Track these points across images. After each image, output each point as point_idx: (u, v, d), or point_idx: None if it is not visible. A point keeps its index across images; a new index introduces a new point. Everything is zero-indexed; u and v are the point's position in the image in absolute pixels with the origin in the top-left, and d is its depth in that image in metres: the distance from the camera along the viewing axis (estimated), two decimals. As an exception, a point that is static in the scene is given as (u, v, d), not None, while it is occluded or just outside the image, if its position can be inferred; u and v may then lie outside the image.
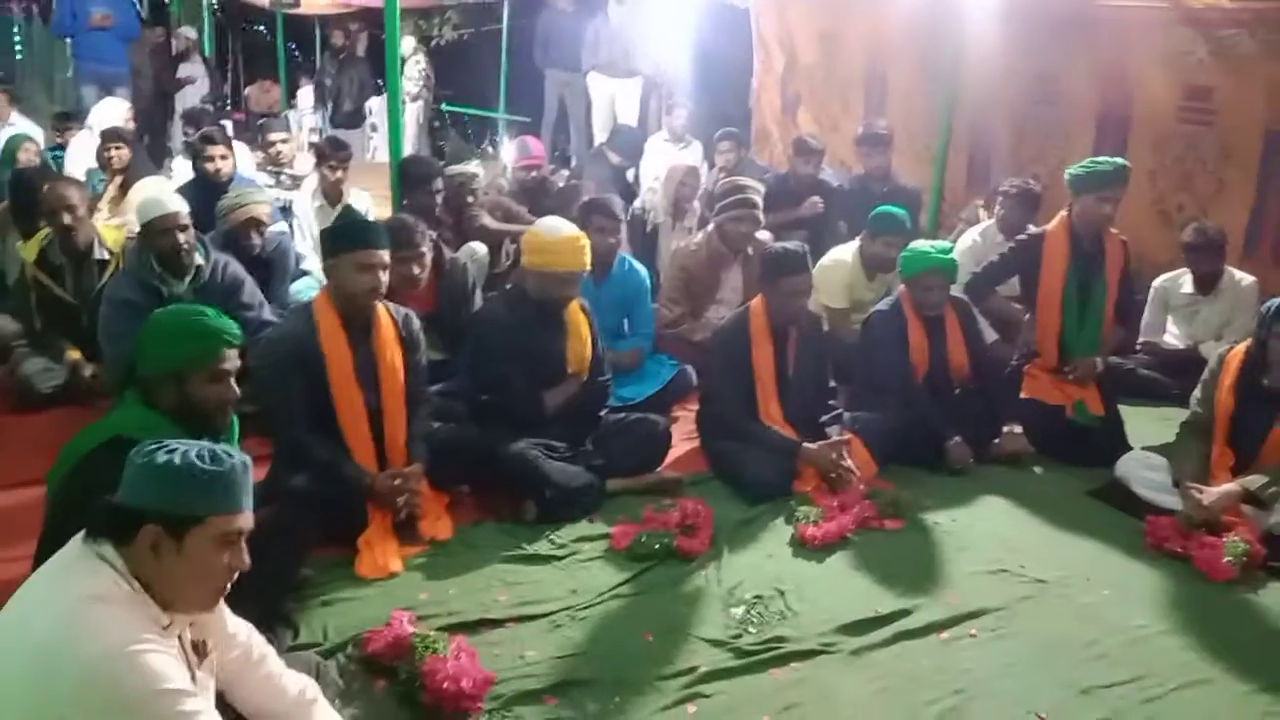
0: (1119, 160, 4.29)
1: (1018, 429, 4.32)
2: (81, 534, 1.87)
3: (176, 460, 1.82)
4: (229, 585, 1.91)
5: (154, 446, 1.86)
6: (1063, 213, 4.43)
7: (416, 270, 4.15)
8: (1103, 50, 6.06)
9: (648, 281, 4.95)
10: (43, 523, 2.47)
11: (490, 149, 11.64)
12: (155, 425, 2.40)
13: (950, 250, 4.24)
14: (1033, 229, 4.70)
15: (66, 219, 4.36)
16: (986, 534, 3.65)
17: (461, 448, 3.66)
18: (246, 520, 1.88)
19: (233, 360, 2.55)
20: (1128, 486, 3.90)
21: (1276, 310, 3.61)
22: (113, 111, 7.37)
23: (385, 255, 3.41)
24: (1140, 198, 4.31)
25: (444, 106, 13.41)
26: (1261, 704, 2.74)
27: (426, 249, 4.20)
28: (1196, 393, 3.93)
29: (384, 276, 3.40)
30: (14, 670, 1.71)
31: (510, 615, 2.98)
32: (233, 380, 2.54)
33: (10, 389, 4.41)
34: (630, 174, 7.96)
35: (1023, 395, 4.40)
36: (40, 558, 2.36)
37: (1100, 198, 4.24)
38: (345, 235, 3.41)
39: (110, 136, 6.53)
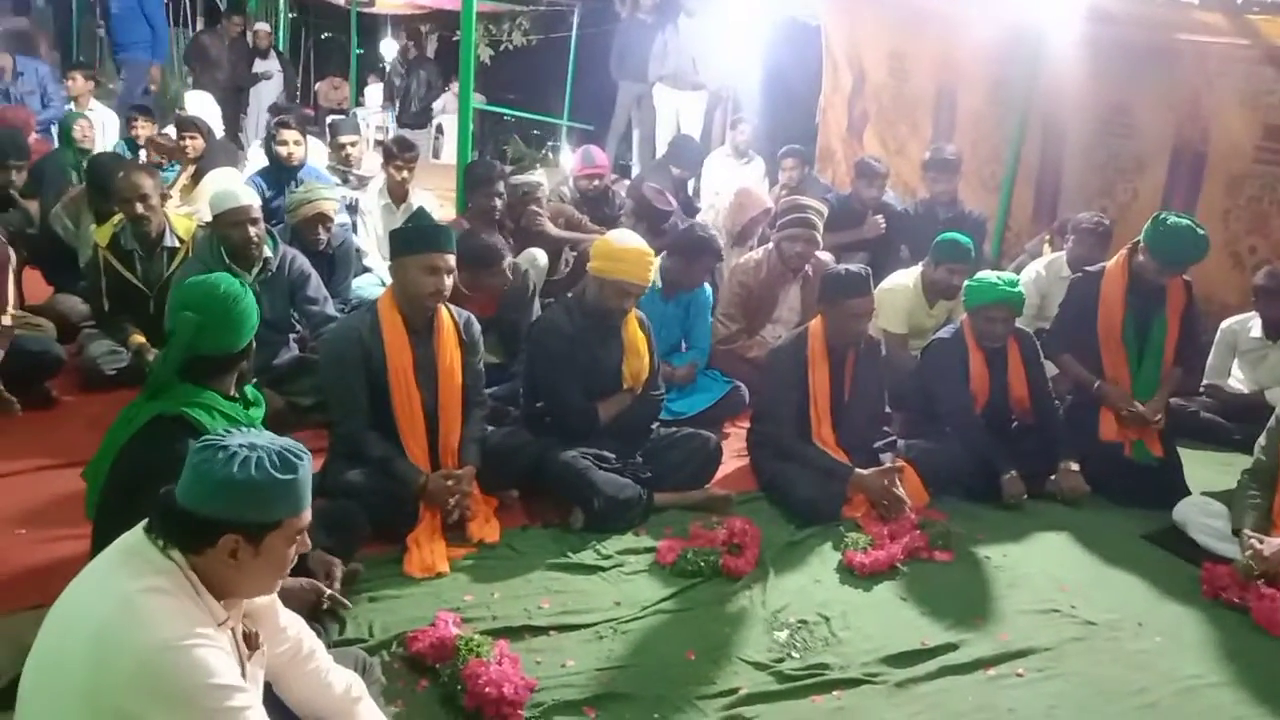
0: (1203, 233, 4.16)
1: (1074, 466, 4.24)
2: (143, 524, 1.90)
3: (253, 472, 1.82)
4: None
5: (221, 451, 1.84)
6: (1123, 251, 4.36)
7: (499, 281, 4.29)
8: (1181, 84, 5.96)
9: (710, 298, 4.97)
10: (96, 509, 2.53)
11: (551, 154, 11.72)
12: (193, 398, 2.49)
13: (1016, 283, 4.19)
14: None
15: (139, 208, 4.46)
16: (1038, 571, 3.60)
17: (513, 453, 3.70)
18: (308, 517, 1.93)
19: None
20: (1185, 531, 3.84)
21: None
22: (202, 104, 7.53)
23: (450, 259, 3.45)
24: (1211, 238, 4.24)
25: (507, 110, 13.54)
26: (1318, 766, 2.67)
27: (508, 264, 4.32)
28: (1261, 440, 3.84)
29: (448, 280, 3.45)
30: (73, 655, 1.75)
31: (553, 623, 2.99)
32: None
33: (77, 369, 4.51)
34: (690, 185, 7.98)
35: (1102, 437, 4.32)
36: (97, 543, 2.44)
37: (1173, 267, 4.17)
38: (413, 238, 3.46)
39: (185, 125, 6.71)
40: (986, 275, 4.23)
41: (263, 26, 11.17)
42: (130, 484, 2.46)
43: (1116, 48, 6.20)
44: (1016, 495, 4.06)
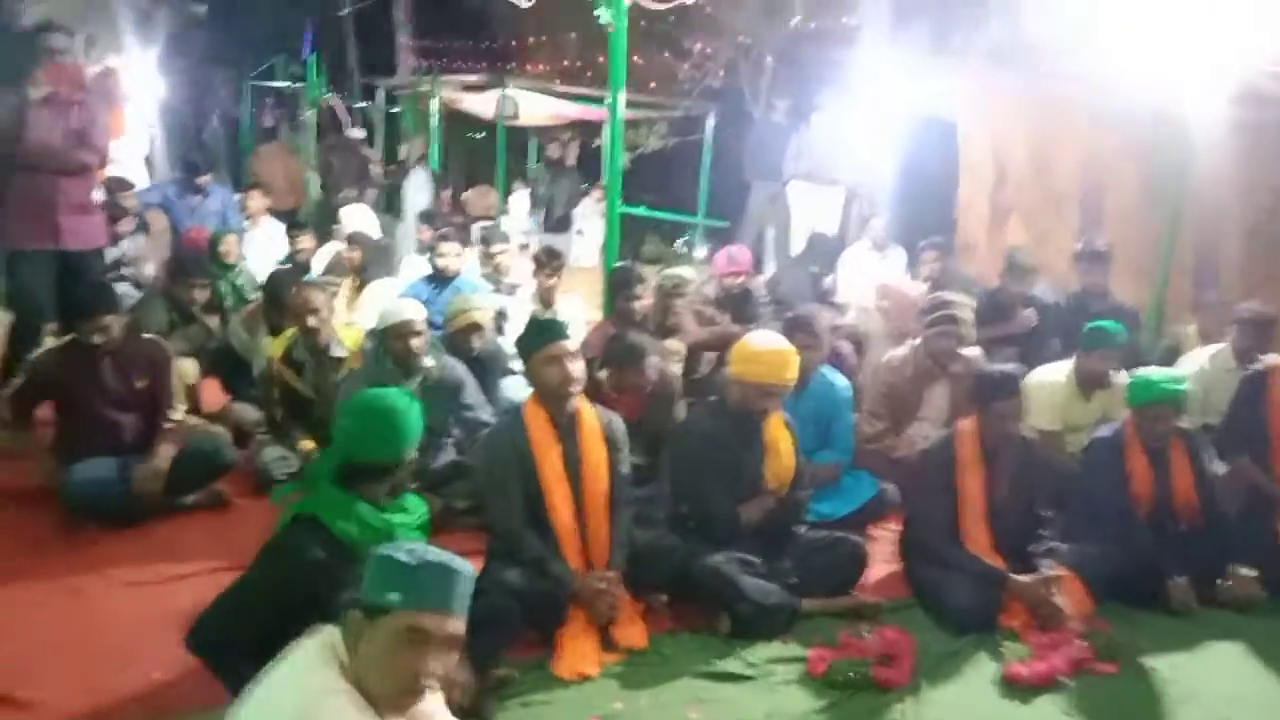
0: None
1: (1250, 571, 4.00)
2: (320, 628, 2.01)
3: (383, 552, 1.93)
4: (419, 692, 1.90)
5: (394, 545, 1.99)
6: None
7: (645, 379, 4.42)
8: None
9: (848, 394, 4.92)
10: (233, 591, 2.71)
11: (685, 249, 11.93)
12: (334, 502, 2.64)
13: (1182, 380, 4.04)
14: (1270, 358, 4.42)
15: (312, 321, 4.77)
16: (1213, 685, 3.39)
17: (661, 556, 3.72)
18: (439, 623, 1.88)
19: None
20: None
21: None
22: (359, 216, 8.03)
23: (569, 345, 3.57)
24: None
25: (644, 210, 13.89)
26: None
27: (653, 360, 4.46)
28: None
29: (573, 367, 3.54)
30: (260, 755, 1.85)
31: (704, 734, 2.97)
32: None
33: (250, 474, 4.79)
34: (829, 279, 8.00)
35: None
36: (211, 620, 2.67)
37: None
38: (530, 337, 3.64)
39: (348, 240, 7.14)
40: (1149, 372, 4.09)
41: (410, 145, 11.78)
42: (260, 578, 2.66)
43: (1273, 129, 5.99)
44: (1186, 602, 3.85)
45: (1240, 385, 4.43)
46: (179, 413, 4.53)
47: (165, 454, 4.33)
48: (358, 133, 13.78)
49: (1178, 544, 4.04)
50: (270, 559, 2.67)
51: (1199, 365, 5.20)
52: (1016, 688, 3.30)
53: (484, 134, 16.00)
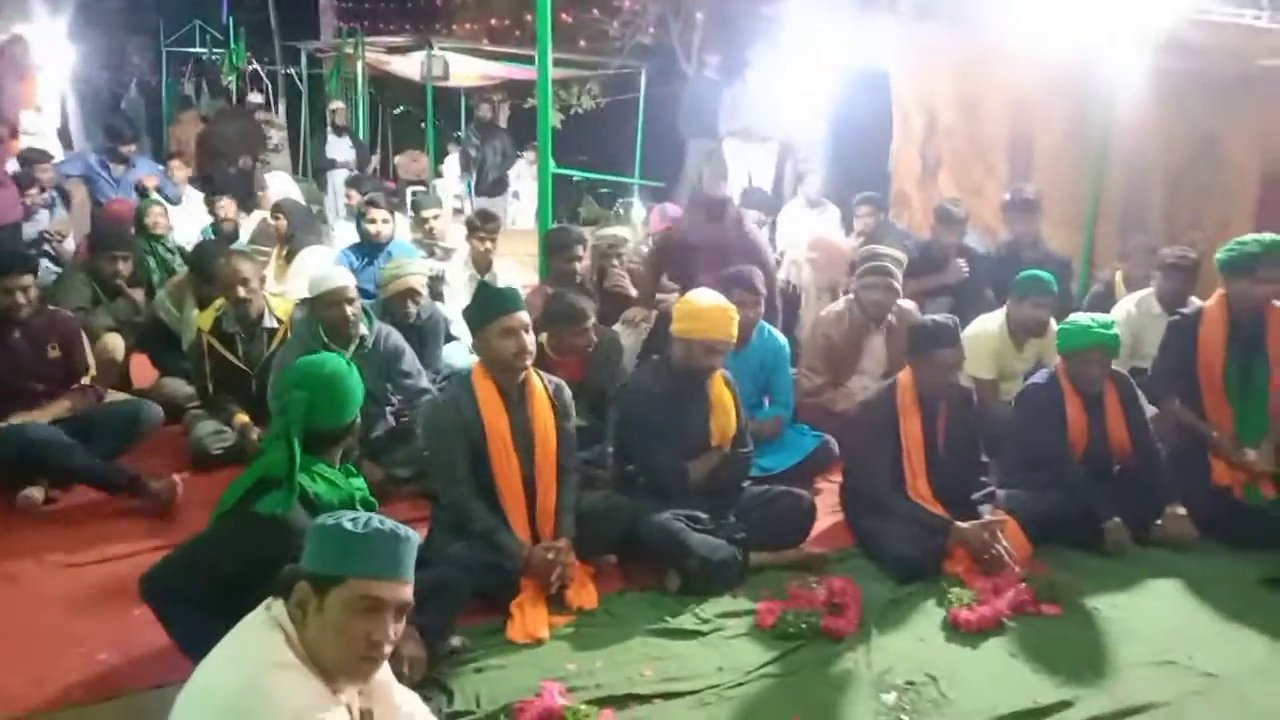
0: (1268, 237, 4.09)
1: (1181, 510, 4.10)
2: (267, 601, 1.97)
3: (329, 521, 1.93)
4: (377, 659, 1.92)
5: (332, 515, 1.98)
6: (1219, 291, 4.26)
7: (586, 340, 4.37)
8: (1269, 113, 5.82)
9: (787, 349, 4.94)
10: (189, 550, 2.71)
11: (623, 211, 11.88)
12: (302, 465, 2.61)
13: (1111, 325, 4.10)
14: (1194, 302, 4.52)
15: (241, 292, 4.65)
16: (1151, 622, 3.48)
17: (608, 518, 3.72)
18: (391, 590, 1.89)
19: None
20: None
21: None
22: (282, 183, 7.84)
23: (523, 317, 3.51)
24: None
25: (578, 172, 13.78)
26: None
27: (592, 323, 4.40)
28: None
29: (528, 338, 3.50)
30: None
31: (657, 691, 2.97)
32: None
33: (184, 449, 4.68)
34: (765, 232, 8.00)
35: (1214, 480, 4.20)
36: (166, 570, 2.66)
37: (1254, 279, 4.06)
38: (484, 308, 3.54)
39: (273, 208, 6.96)
40: (1079, 318, 4.15)
41: (339, 105, 11.56)
42: (225, 534, 2.64)
43: (1198, 77, 6.10)
44: (1121, 542, 3.95)
45: (1168, 329, 4.52)
46: (87, 379, 4.51)
47: (59, 405, 4.32)
48: (255, 98, 13.47)
49: (1112, 486, 4.13)
50: (239, 517, 2.63)
51: (1126, 310, 5.31)
52: (962, 632, 3.36)
53: (412, 97, 15.71)
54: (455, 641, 3.12)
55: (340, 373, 2.78)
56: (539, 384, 3.63)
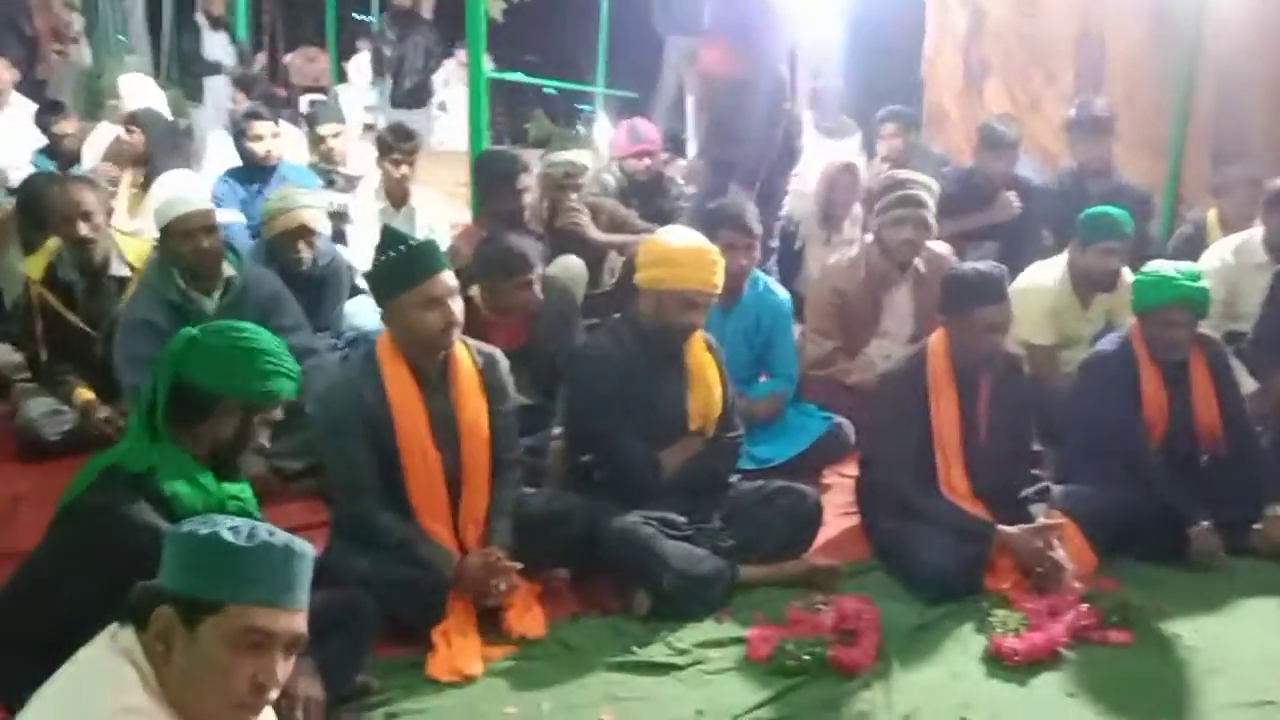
0: None
1: (1287, 511, 4.17)
2: (111, 628, 1.94)
3: (201, 529, 1.89)
4: (259, 706, 1.91)
5: (200, 519, 1.95)
6: None
7: (530, 296, 4.32)
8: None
9: (789, 307, 4.96)
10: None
11: (583, 131, 11.83)
12: (159, 457, 2.59)
13: (1199, 276, 4.13)
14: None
15: (83, 228, 4.56)
16: (1246, 653, 3.53)
17: (558, 522, 3.72)
18: (282, 621, 1.88)
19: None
20: None
21: None
22: (140, 88, 7.70)
23: (449, 279, 3.45)
24: None
25: (523, 76, 13.68)
26: None
27: (539, 271, 4.37)
28: None
29: (455, 305, 3.44)
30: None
31: (619, 742, 3.00)
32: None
33: (11, 434, 4.64)
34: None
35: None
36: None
37: None
38: (397, 271, 3.43)
39: (128, 121, 6.84)
40: (1160, 267, 4.18)
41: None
42: (56, 555, 2.60)
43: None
44: (1211, 552, 4.00)
45: (1273, 283, 4.56)
46: None
47: None
48: None
49: (1200, 481, 4.18)
50: (73, 530, 2.59)
51: (1221, 259, 5.36)
52: (1008, 665, 3.39)
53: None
54: (362, 679, 3.12)
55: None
56: (466, 358, 3.60)
